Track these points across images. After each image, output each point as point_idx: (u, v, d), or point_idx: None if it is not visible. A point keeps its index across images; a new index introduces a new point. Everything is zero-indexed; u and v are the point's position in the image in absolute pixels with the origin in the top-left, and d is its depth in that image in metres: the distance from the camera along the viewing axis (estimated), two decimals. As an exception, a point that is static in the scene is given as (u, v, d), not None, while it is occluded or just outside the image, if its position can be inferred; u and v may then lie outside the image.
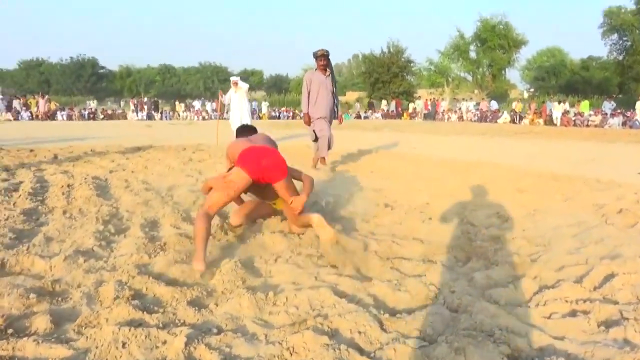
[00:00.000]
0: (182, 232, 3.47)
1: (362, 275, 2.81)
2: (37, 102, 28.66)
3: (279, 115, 34.04)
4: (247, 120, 10.72)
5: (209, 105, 33.62)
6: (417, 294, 2.50)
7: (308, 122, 6.65)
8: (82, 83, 57.05)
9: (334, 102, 6.75)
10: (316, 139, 6.69)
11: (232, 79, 10.97)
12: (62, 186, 5.06)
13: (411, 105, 36.21)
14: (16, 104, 27.81)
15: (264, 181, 3.27)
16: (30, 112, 27.15)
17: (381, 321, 2.15)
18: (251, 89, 15.65)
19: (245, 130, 3.89)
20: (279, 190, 3.34)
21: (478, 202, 4.62)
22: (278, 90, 60.22)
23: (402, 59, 40.94)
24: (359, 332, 2.04)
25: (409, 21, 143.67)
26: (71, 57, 58.69)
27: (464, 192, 5.03)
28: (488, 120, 28.85)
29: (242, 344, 1.95)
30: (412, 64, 41.81)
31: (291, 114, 34.05)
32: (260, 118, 30.97)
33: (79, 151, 8.74)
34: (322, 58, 6.45)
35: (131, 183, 5.49)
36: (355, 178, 6.13)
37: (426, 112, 33.08)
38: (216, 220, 3.58)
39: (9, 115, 25.99)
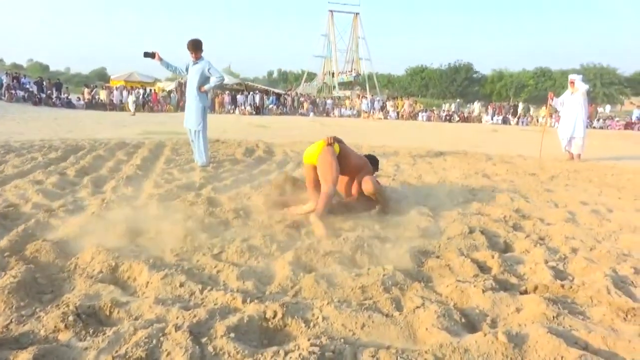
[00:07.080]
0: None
1: None
2: (403, 104, 32.06)
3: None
4: (582, 130, 8.44)
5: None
6: None
7: None
8: (454, 87, 60.42)
9: None
10: None
11: (571, 77, 8.81)
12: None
13: None
14: (388, 105, 31.93)
15: None
16: (397, 112, 30.59)
17: None
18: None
19: None
20: None
21: None
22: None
23: None
24: None
25: None
26: (449, 63, 63.01)
27: None
28: None
29: None
30: None
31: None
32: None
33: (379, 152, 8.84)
34: None
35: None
36: None
37: None
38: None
39: (381, 114, 30.06)
